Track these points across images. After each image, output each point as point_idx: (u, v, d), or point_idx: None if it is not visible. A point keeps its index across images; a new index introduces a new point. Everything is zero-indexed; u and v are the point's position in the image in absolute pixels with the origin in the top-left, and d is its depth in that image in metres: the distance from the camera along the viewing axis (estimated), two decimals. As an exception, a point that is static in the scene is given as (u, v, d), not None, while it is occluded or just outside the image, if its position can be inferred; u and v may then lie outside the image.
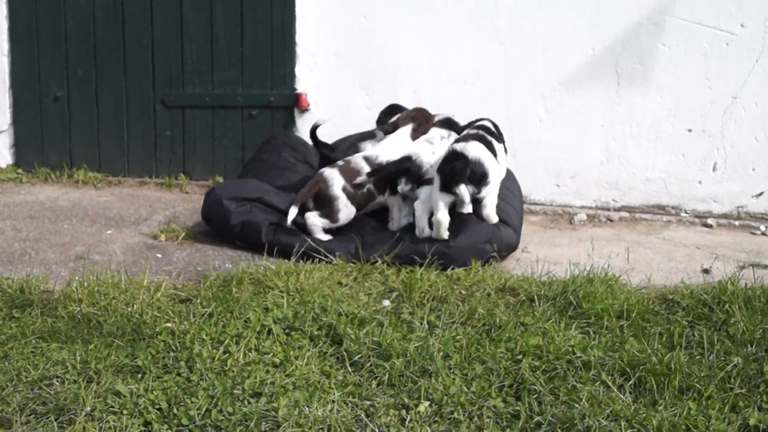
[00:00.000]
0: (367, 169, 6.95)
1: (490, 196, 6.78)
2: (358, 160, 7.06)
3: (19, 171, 9.21)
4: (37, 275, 6.02)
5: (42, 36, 9.04)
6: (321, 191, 6.84)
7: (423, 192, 6.81)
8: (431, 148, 7.12)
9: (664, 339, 5.10)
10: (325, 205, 6.85)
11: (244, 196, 7.00)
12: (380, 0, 8.40)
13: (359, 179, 6.89)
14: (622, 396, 4.45)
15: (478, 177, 6.61)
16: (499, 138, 7.16)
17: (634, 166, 8.19)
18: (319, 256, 6.46)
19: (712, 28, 7.92)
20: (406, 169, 6.92)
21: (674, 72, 8.00)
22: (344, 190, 6.85)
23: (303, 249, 6.51)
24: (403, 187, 6.91)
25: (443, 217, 6.55)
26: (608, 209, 8.25)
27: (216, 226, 7.06)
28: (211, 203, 7.08)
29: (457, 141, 6.84)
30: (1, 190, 8.67)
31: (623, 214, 8.15)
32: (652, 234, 7.67)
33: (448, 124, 7.49)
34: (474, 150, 6.64)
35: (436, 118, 7.50)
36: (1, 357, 4.85)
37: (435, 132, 7.36)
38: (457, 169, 6.50)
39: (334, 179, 6.86)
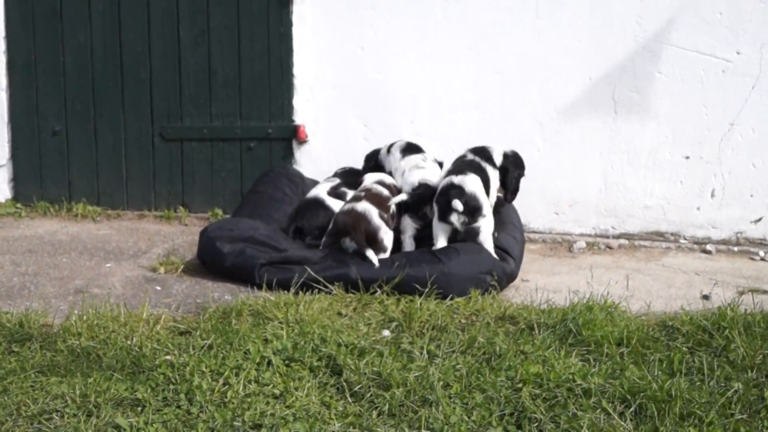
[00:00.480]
0: (386, 192, 7.00)
1: (486, 225, 6.86)
2: (375, 186, 7.10)
3: (18, 205, 9.20)
4: (36, 309, 6.00)
5: (40, 70, 9.06)
6: (365, 228, 6.83)
7: (406, 223, 7.07)
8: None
9: (664, 365, 5.10)
10: (374, 239, 6.85)
11: (237, 235, 7.00)
12: (377, 31, 8.43)
13: (397, 199, 6.99)
14: (623, 423, 4.44)
15: (472, 209, 6.75)
16: (495, 165, 7.22)
17: (632, 193, 8.20)
18: (319, 287, 6.45)
19: (708, 55, 7.95)
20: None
21: (671, 99, 8.03)
22: (381, 217, 6.86)
23: (301, 280, 6.50)
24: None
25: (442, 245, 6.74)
26: (607, 237, 8.25)
27: (210, 268, 7.05)
28: (205, 244, 7.09)
29: (455, 173, 6.88)
30: (0, 225, 8.66)
31: (622, 241, 8.15)
32: (651, 261, 7.67)
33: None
34: (471, 184, 6.80)
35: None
36: (0, 391, 4.83)
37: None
38: (452, 200, 6.67)
39: (370, 210, 6.87)
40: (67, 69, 9.03)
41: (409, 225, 7.18)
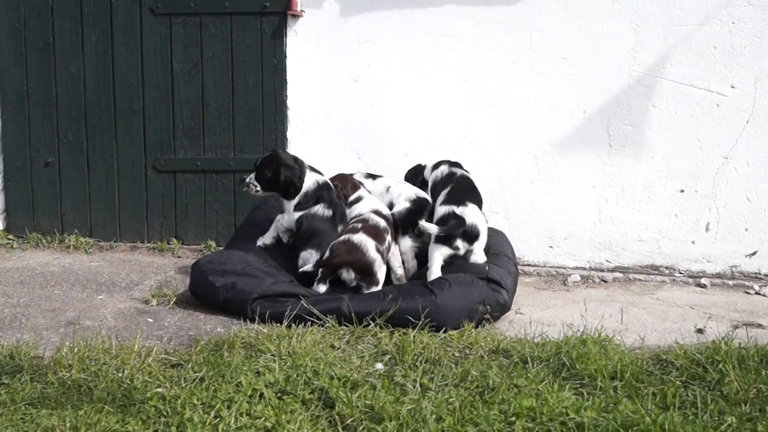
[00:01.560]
0: (383, 223, 7.01)
1: (481, 244, 7.16)
2: (372, 216, 7.10)
3: (10, 237, 9.18)
4: (27, 341, 5.97)
5: (32, 101, 9.06)
6: (359, 260, 6.82)
7: (406, 244, 7.36)
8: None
9: (657, 399, 5.06)
10: (366, 272, 6.84)
11: (229, 269, 6.97)
12: (371, 64, 8.44)
13: (436, 230, 7.00)
14: (617, 458, 4.41)
15: (473, 237, 7.09)
16: None
17: (627, 226, 8.20)
18: (312, 319, 6.42)
19: (702, 89, 7.97)
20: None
21: (665, 133, 8.04)
22: (377, 250, 6.85)
23: (294, 313, 6.47)
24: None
25: (436, 273, 6.87)
26: (602, 270, 8.24)
27: (203, 301, 7.01)
28: (197, 278, 7.06)
29: (457, 203, 7.11)
30: (-8, 256, 8.65)
31: (617, 274, 8.14)
32: (645, 294, 7.65)
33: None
34: (471, 215, 7.08)
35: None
36: (-11, 424, 4.80)
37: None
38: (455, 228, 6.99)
39: (367, 243, 6.85)
40: (59, 101, 9.03)
41: (409, 246, 7.24)
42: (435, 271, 6.92)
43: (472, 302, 6.51)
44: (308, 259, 7.13)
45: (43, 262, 8.41)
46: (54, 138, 9.09)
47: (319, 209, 7.24)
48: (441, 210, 7.19)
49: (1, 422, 4.80)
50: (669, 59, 7.95)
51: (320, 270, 6.93)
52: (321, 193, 7.30)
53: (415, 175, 7.99)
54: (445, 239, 7.00)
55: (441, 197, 7.34)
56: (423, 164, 8.00)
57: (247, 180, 7.40)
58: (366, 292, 6.77)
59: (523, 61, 8.20)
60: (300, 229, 7.25)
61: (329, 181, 7.44)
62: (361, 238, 6.84)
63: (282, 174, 7.23)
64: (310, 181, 7.31)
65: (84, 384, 5.22)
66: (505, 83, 8.25)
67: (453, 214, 7.05)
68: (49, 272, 8.04)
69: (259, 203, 8.23)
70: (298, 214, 7.27)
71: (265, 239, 7.48)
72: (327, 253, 6.92)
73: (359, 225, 7.00)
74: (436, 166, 7.83)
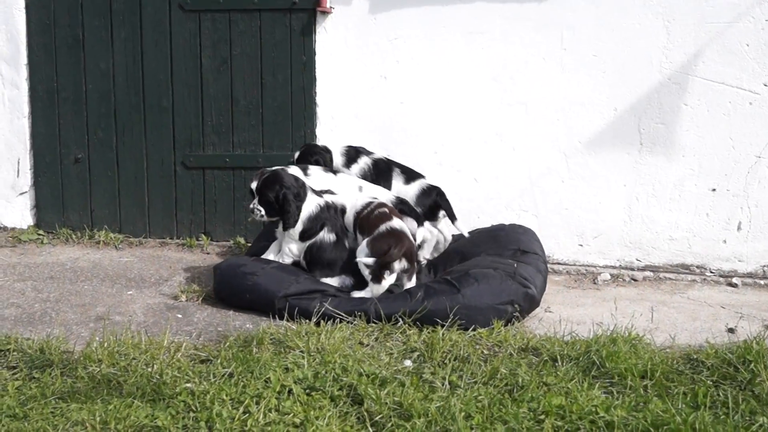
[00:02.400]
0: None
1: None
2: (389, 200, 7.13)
3: (40, 232, 9.22)
4: (57, 336, 6.01)
5: (62, 98, 9.09)
6: (410, 248, 6.82)
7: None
8: None
9: (688, 399, 5.03)
10: (412, 259, 6.86)
11: (249, 270, 6.95)
12: (400, 61, 8.42)
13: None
14: (646, 457, 4.38)
15: None
16: None
17: (657, 225, 8.14)
18: (341, 315, 6.40)
19: (735, 87, 7.90)
20: None
21: (697, 131, 7.98)
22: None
23: (321, 311, 6.46)
24: None
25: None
26: (632, 269, 8.19)
27: (229, 303, 6.98)
28: (220, 282, 7.08)
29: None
30: (23, 251, 8.67)
31: (647, 273, 8.09)
32: (676, 293, 7.61)
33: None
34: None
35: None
36: (21, 417, 4.82)
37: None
38: None
39: (404, 226, 6.89)
40: (89, 97, 9.05)
41: None
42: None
43: (500, 302, 6.48)
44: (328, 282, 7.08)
45: (72, 258, 8.44)
46: (83, 134, 9.12)
47: (325, 236, 7.12)
48: None
49: (31, 416, 4.82)
50: (701, 57, 7.89)
51: (372, 266, 6.82)
52: (324, 216, 7.15)
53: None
54: None
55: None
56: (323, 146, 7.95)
57: (252, 206, 7.16)
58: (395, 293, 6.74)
59: (553, 58, 8.16)
60: (309, 260, 7.18)
61: (331, 201, 7.24)
62: (400, 223, 6.84)
63: (287, 198, 7.01)
64: (312, 206, 7.11)
65: (113, 378, 5.24)
66: (536, 80, 8.21)
67: None
68: (78, 267, 8.07)
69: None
70: (305, 244, 7.18)
71: (284, 258, 7.29)
72: (378, 249, 6.79)
73: (385, 210, 6.96)
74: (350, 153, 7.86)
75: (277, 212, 7.07)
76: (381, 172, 7.70)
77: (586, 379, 5.31)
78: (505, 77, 8.26)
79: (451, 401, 4.89)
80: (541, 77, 8.20)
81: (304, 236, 7.10)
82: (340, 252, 7.11)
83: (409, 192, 7.66)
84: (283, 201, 6.95)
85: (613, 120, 8.11)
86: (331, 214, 7.14)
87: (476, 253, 7.31)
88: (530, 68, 8.21)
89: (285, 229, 7.11)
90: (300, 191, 7.02)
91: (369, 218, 7.01)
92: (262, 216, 7.13)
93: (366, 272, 6.73)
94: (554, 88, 8.18)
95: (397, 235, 6.76)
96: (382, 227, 6.83)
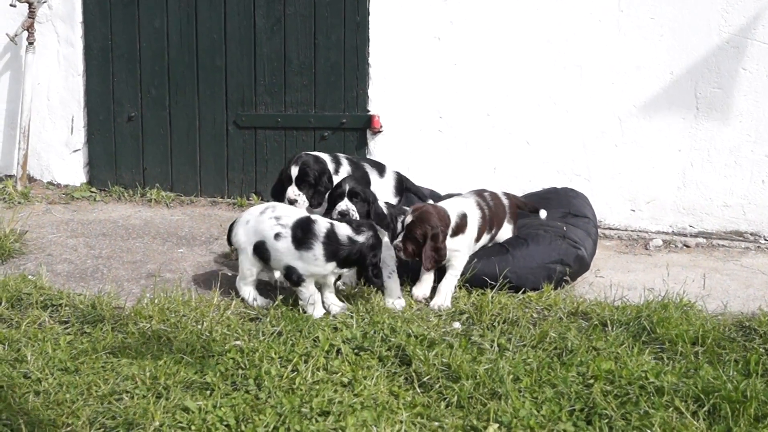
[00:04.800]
0: None
1: None
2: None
3: (93, 189, 9.29)
4: (108, 292, 6.06)
5: (116, 56, 9.14)
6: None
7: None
8: None
9: (739, 366, 4.98)
10: None
11: None
12: (454, 22, 8.36)
13: None
14: (695, 423, 4.35)
15: None
16: None
17: (711, 191, 8.04)
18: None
19: (793, 52, 7.80)
20: None
21: (755, 97, 7.86)
22: None
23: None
24: None
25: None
26: (685, 235, 8.11)
27: None
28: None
29: None
30: (75, 208, 8.74)
31: (700, 240, 8.01)
32: (729, 261, 7.53)
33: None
34: None
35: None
36: (72, 371, 4.87)
37: None
38: None
39: None
40: (143, 55, 9.09)
41: None
42: None
43: (549, 261, 6.46)
44: None
45: (124, 215, 8.49)
46: (137, 92, 9.16)
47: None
48: None
49: (83, 370, 4.87)
50: (761, 20, 7.75)
51: None
52: None
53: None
54: None
55: None
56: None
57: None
58: None
59: (609, 20, 8.06)
60: None
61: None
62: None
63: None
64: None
65: (164, 335, 5.28)
66: (591, 43, 8.12)
67: None
68: (130, 225, 8.12)
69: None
70: None
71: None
72: None
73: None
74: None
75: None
76: (360, 171, 7.48)
77: (636, 344, 5.28)
78: (560, 39, 8.18)
79: (500, 364, 4.87)
80: (597, 40, 8.10)
81: None
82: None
83: (387, 185, 7.51)
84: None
85: (669, 84, 8.01)
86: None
87: (526, 215, 7.27)
88: (586, 30, 8.12)
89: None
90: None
91: None
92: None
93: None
94: (610, 50, 8.09)
95: None
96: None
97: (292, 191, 6.64)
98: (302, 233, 5.75)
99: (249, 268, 6.07)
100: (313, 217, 5.89)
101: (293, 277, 5.79)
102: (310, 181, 6.68)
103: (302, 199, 6.67)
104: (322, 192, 6.72)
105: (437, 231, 5.97)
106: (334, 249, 5.70)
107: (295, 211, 6.10)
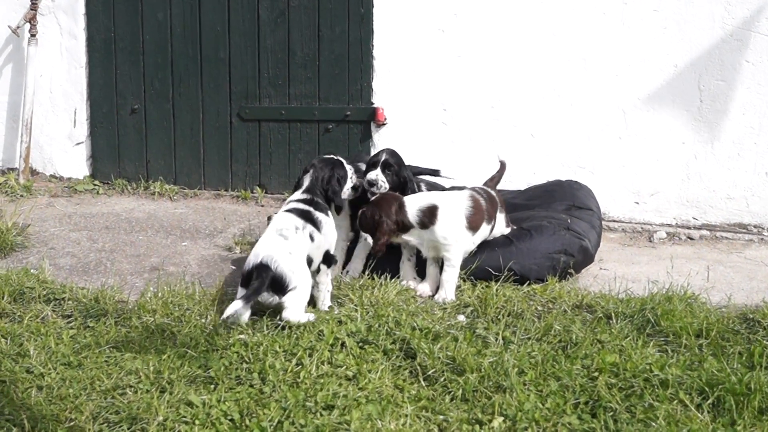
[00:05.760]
0: None
1: None
2: None
3: (96, 182, 9.29)
4: (112, 285, 6.05)
5: (119, 48, 9.13)
6: None
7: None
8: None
9: (744, 358, 4.98)
10: None
11: None
12: (458, 14, 8.35)
13: None
14: (700, 415, 4.35)
15: None
16: None
17: (715, 184, 8.04)
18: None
19: (797, 44, 7.78)
20: None
21: (758, 89, 7.85)
22: None
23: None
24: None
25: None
26: (688, 227, 8.10)
27: None
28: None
29: None
30: (78, 201, 8.74)
31: (704, 232, 8.00)
32: (733, 253, 7.52)
33: None
34: None
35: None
36: (75, 365, 4.86)
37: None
38: None
39: None
40: (146, 47, 9.09)
41: None
42: None
43: (553, 251, 6.45)
44: None
45: (128, 208, 8.49)
46: (140, 85, 9.15)
47: None
48: None
49: (86, 364, 4.87)
50: (764, 12, 7.74)
51: None
52: None
53: None
54: None
55: None
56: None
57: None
58: None
59: (613, 13, 8.05)
60: None
61: None
62: None
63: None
64: None
65: (167, 329, 5.28)
66: (595, 36, 8.11)
67: None
68: (133, 218, 8.12)
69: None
70: None
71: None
72: None
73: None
74: None
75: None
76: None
77: (641, 337, 5.27)
78: (564, 32, 8.17)
79: (505, 357, 4.86)
80: (601, 32, 8.10)
81: None
82: None
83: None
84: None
85: (673, 77, 8.01)
86: None
87: (530, 207, 7.26)
88: (590, 23, 8.11)
89: None
90: None
91: None
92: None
93: None
94: (614, 43, 8.08)
95: None
96: None
97: (376, 174, 6.59)
98: None
99: None
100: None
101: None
102: (395, 168, 6.65)
103: (382, 182, 6.61)
104: (398, 182, 6.61)
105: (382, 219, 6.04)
106: None
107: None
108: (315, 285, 5.74)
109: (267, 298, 5.42)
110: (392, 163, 6.41)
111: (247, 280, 5.40)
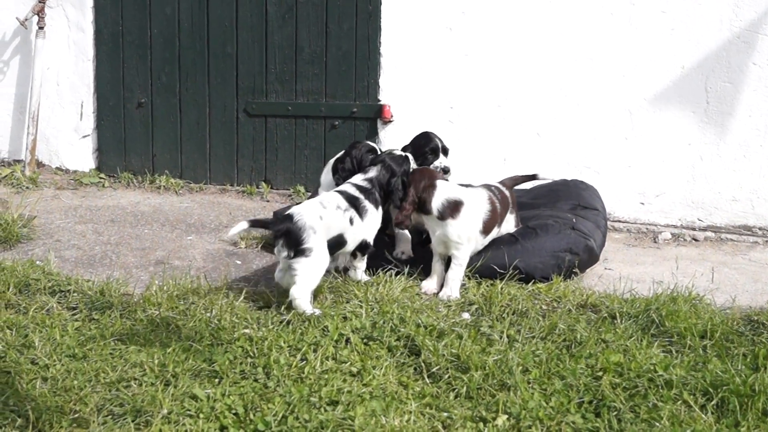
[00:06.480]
0: None
1: None
2: None
3: (102, 175, 9.30)
4: (117, 278, 6.07)
5: (127, 42, 9.14)
6: None
7: None
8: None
9: (748, 360, 4.97)
10: None
11: None
12: (466, 12, 8.35)
13: None
14: (703, 416, 4.35)
15: None
16: None
17: (720, 185, 8.04)
18: (399, 268, 6.38)
19: (805, 47, 7.78)
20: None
21: (765, 92, 7.84)
22: None
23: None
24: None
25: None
26: (693, 229, 8.10)
27: None
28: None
29: None
30: (84, 194, 8.75)
31: (709, 234, 8.00)
32: (737, 255, 7.52)
33: None
34: None
35: None
36: (80, 358, 4.86)
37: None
38: None
39: None
40: (153, 42, 9.09)
41: None
42: None
43: (558, 250, 6.46)
44: None
45: (133, 202, 8.50)
46: (147, 79, 9.16)
47: None
48: None
49: (90, 356, 4.87)
50: (772, 15, 7.77)
51: None
52: None
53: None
54: None
55: None
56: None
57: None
58: None
59: (621, 13, 8.05)
60: None
61: None
62: None
63: None
64: None
65: (172, 322, 5.29)
66: (602, 36, 8.11)
67: None
68: (139, 212, 8.13)
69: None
70: None
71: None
72: None
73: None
74: None
75: None
76: None
77: (645, 337, 5.28)
78: (572, 32, 8.17)
79: (509, 355, 4.87)
80: (608, 33, 8.10)
81: None
82: None
83: None
84: None
85: (680, 78, 8.01)
86: None
87: (536, 206, 7.26)
88: (597, 23, 8.11)
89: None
90: None
91: None
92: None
93: None
94: (621, 44, 8.08)
95: None
96: None
97: (446, 160, 6.63)
98: None
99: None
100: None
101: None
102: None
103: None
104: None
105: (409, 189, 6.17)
106: None
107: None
108: (352, 267, 6.14)
109: (280, 249, 5.61)
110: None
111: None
